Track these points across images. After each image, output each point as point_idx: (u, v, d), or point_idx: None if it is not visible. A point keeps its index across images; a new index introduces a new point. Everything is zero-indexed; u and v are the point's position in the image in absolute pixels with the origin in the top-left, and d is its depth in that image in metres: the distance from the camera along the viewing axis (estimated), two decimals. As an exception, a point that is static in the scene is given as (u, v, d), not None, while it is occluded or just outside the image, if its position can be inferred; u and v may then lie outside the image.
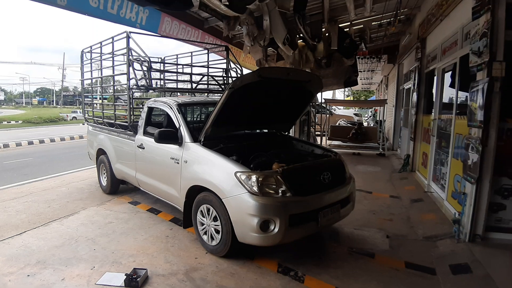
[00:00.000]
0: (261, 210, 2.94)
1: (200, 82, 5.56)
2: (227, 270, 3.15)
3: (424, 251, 3.60)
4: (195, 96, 5.86)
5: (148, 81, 4.69)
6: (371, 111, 23.27)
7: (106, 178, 5.64)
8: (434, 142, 5.87)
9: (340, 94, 35.51)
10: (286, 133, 4.80)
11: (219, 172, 3.31)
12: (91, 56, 5.99)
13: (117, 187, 5.61)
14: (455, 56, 4.87)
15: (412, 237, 4.00)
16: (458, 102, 4.82)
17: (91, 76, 6.13)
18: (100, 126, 5.90)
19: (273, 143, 4.41)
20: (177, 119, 4.04)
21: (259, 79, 3.38)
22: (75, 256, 3.38)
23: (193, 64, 6.61)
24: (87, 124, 6.52)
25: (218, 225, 3.31)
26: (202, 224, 3.54)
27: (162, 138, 3.79)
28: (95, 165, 6.06)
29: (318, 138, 11.24)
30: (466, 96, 5.46)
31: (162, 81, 6.10)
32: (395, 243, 3.81)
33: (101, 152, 5.77)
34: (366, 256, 3.48)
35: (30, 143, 13.34)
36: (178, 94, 6.23)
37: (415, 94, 7.40)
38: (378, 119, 14.56)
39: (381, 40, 10.37)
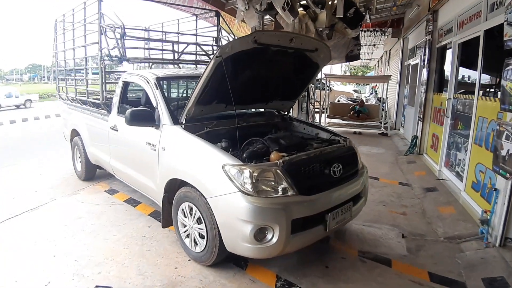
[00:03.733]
0: (256, 215, 2.31)
1: (186, 52, 4.78)
2: (213, 285, 2.56)
3: (448, 257, 3.04)
4: (180, 68, 5.10)
5: (121, 50, 3.94)
6: (371, 88, 22.43)
7: (80, 163, 4.98)
8: (448, 124, 5.30)
9: (337, 69, 34.39)
10: (287, 113, 4.09)
11: (203, 163, 2.66)
12: (63, 26, 5.28)
13: (93, 173, 4.97)
14: (478, 29, 4.24)
15: (431, 237, 3.43)
16: (482, 82, 4.21)
17: (64, 47, 5.37)
18: (73, 104, 5.17)
19: (270, 125, 3.74)
20: (155, 96, 3.31)
21: (254, 46, 2.68)
22: (28, 268, 2.74)
23: (179, 32, 5.80)
24: (62, 101, 5.79)
25: (202, 229, 2.69)
26: (184, 226, 2.92)
27: (135, 120, 3.10)
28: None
29: (317, 116, 10.57)
30: (491, 75, 4.86)
31: (143, 51, 5.31)
32: (412, 245, 3.25)
33: (75, 133, 5.08)
34: (382, 265, 2.90)
35: (12, 121, 12.49)
36: (164, 66, 5.48)
37: (425, 70, 6.78)
38: (380, 96, 13.87)
39: (387, 12, 9.56)
